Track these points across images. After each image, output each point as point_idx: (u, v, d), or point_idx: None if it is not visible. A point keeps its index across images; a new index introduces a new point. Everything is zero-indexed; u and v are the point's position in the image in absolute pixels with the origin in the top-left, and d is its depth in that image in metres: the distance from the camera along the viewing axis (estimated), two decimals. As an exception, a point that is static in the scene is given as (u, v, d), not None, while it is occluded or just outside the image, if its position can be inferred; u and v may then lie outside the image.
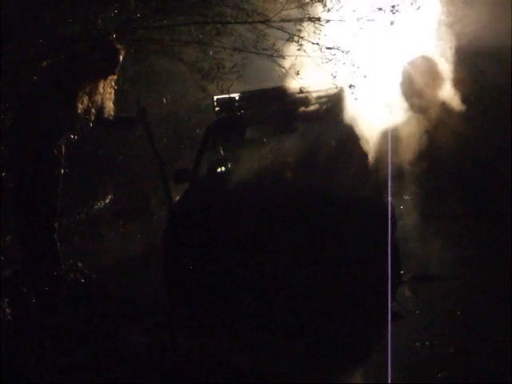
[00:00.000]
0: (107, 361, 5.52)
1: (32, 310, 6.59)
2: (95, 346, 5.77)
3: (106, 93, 7.08)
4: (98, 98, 7.00)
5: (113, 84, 7.16)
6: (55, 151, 6.83)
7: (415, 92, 7.36)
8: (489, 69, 8.87)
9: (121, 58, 7.05)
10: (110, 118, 7.15)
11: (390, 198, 6.58)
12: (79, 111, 6.85)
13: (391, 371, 5.03)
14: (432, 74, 7.45)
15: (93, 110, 6.99)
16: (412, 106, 7.32)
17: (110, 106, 7.14)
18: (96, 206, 10.91)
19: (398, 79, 7.44)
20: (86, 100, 6.90)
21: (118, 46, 7.07)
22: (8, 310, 6.58)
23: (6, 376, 5.23)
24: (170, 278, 6.63)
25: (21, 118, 6.84)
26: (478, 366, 5.34)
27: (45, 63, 7.09)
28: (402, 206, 8.38)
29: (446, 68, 7.48)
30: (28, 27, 7.55)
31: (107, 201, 11.13)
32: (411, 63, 7.45)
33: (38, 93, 6.82)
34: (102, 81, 6.99)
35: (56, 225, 7.07)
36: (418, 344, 5.82)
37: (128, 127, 8.01)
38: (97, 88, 6.97)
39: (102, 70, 6.97)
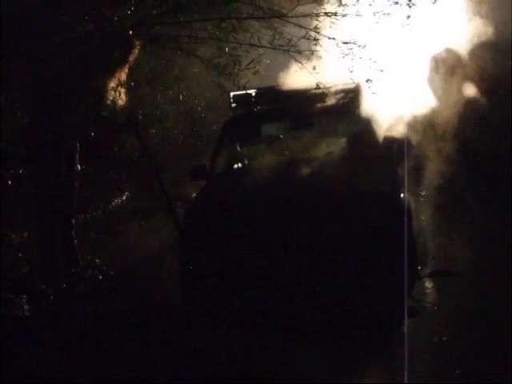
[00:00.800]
0: (123, 357, 5.53)
1: (50, 307, 6.62)
2: (111, 342, 5.78)
3: (119, 91, 7.11)
4: (109, 96, 7.02)
5: (124, 81, 7.18)
6: (71, 148, 6.86)
7: (437, 85, 7.32)
8: (505, 61, 8.79)
9: (136, 50, 7.07)
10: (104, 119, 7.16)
11: (406, 194, 6.54)
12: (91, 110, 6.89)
13: (408, 369, 5.00)
14: (454, 67, 7.41)
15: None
16: (432, 99, 7.28)
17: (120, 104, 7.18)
18: (113, 203, 10.92)
19: (418, 73, 7.40)
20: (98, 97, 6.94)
21: (134, 39, 7.10)
22: (26, 307, 6.61)
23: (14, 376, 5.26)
24: (186, 275, 6.62)
25: (36, 117, 6.86)
26: (496, 361, 5.30)
27: (60, 61, 7.13)
28: (420, 200, 8.32)
29: (465, 61, 7.44)
30: (45, 26, 7.58)
31: (124, 198, 11.15)
32: (434, 56, 7.40)
33: (53, 91, 6.85)
34: (116, 75, 7.01)
35: (73, 221, 7.10)
36: (436, 340, 5.79)
37: (117, 130, 7.96)
38: (109, 85, 7.00)
39: (117, 61, 6.99)
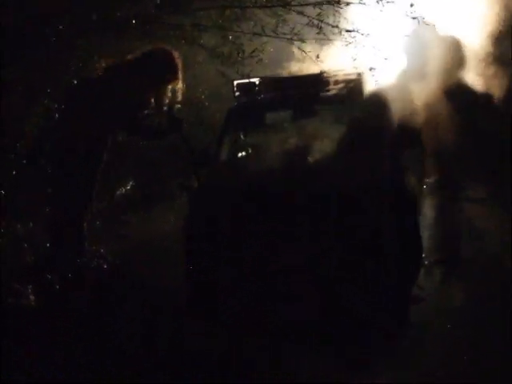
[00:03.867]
0: (116, 358, 5.55)
1: (56, 297, 6.64)
2: (103, 342, 5.80)
3: (175, 96, 7.19)
4: (165, 101, 7.11)
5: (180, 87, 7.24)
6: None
7: (441, 73, 7.30)
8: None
9: (179, 64, 7.13)
10: (141, 126, 7.23)
11: (410, 182, 6.54)
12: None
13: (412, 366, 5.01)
14: (459, 54, 7.37)
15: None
16: (437, 87, 7.26)
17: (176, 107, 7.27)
18: (118, 192, 10.94)
19: (422, 60, 7.39)
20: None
21: (174, 53, 7.15)
22: (32, 297, 6.64)
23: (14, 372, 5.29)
24: (190, 264, 6.63)
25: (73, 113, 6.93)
26: (500, 351, 5.31)
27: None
28: (424, 188, 8.30)
29: (471, 49, 7.41)
30: (48, 17, 7.59)
31: (129, 187, 11.16)
32: (438, 43, 7.37)
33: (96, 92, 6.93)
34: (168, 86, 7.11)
35: (89, 215, 7.12)
36: (439, 327, 5.80)
37: (158, 137, 8.00)
38: (164, 93, 7.08)
39: (161, 77, 7.07)
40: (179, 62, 7.20)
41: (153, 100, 7.14)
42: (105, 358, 5.55)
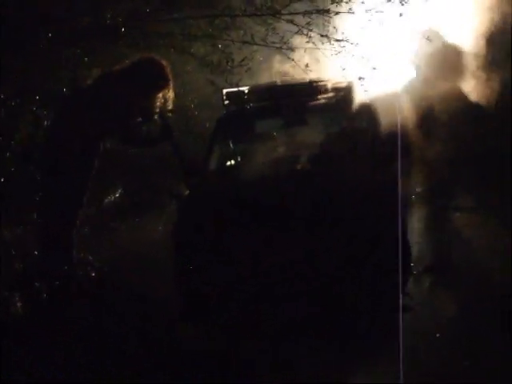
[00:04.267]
0: (116, 358, 5.54)
1: (43, 305, 6.62)
2: (102, 342, 5.79)
3: (165, 105, 7.21)
4: (155, 110, 7.14)
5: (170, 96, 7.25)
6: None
7: (434, 80, 7.32)
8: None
9: (168, 73, 7.15)
10: (131, 134, 7.24)
11: (399, 191, 6.55)
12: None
13: (403, 367, 5.00)
14: (451, 62, 7.39)
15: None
16: (429, 95, 7.28)
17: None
18: (106, 199, 10.92)
19: (413, 69, 7.41)
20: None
21: (163, 62, 7.16)
22: (19, 304, 6.61)
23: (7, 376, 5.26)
24: (179, 272, 6.61)
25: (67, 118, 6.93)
26: (493, 359, 5.32)
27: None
28: (413, 198, 8.32)
29: (464, 56, 7.42)
30: (37, 20, 7.58)
31: (117, 194, 11.14)
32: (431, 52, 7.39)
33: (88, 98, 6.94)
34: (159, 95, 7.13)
35: (78, 222, 7.11)
36: (429, 336, 5.81)
37: (149, 145, 8.00)
38: (154, 101, 7.10)
39: (150, 86, 7.09)
40: (168, 71, 7.21)
41: (143, 109, 7.14)
42: (105, 358, 5.55)
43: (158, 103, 7.18)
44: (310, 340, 5.87)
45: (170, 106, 7.29)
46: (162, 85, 7.19)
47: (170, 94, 7.26)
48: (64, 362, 5.46)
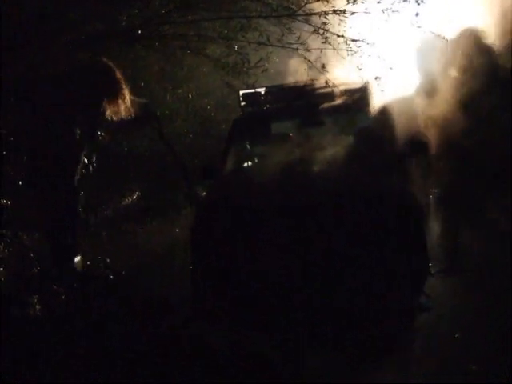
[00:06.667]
0: (134, 356, 5.54)
1: (61, 307, 6.63)
2: (121, 342, 5.79)
3: (120, 107, 7.20)
4: (111, 113, 7.15)
5: (125, 98, 7.26)
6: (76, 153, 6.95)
7: (452, 79, 7.27)
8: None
9: (118, 77, 7.16)
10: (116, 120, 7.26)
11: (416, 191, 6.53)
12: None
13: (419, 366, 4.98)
14: (469, 61, 7.33)
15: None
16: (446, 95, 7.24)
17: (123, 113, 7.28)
18: (123, 203, 10.95)
19: (429, 68, 7.37)
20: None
21: (112, 67, 7.18)
22: (38, 307, 6.63)
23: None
24: (196, 273, 6.61)
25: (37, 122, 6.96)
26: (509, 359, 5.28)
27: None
28: (430, 198, 8.27)
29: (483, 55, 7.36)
30: (53, 25, 7.61)
31: (134, 197, 11.18)
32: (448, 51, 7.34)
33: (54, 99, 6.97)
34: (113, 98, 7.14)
35: (76, 223, 7.13)
36: (448, 337, 5.77)
37: (136, 127, 8.03)
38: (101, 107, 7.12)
39: (102, 91, 7.11)
40: (119, 79, 7.24)
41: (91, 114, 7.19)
42: (105, 358, 5.54)
43: (108, 111, 7.21)
44: (324, 342, 5.85)
45: (122, 114, 7.29)
46: (110, 92, 7.20)
47: (122, 102, 7.26)
48: (64, 362, 5.45)
